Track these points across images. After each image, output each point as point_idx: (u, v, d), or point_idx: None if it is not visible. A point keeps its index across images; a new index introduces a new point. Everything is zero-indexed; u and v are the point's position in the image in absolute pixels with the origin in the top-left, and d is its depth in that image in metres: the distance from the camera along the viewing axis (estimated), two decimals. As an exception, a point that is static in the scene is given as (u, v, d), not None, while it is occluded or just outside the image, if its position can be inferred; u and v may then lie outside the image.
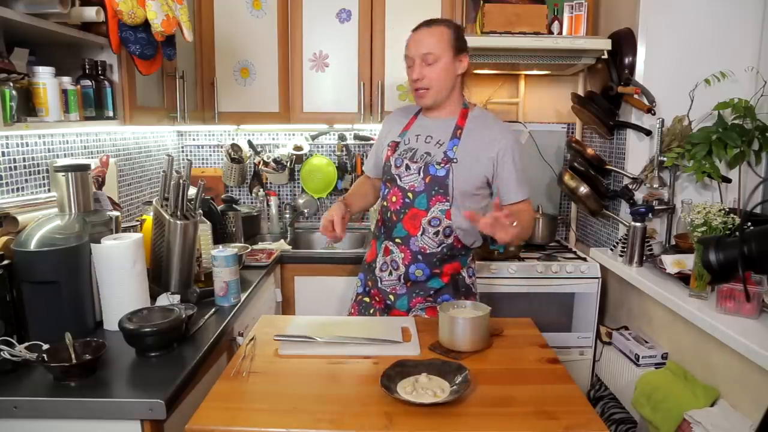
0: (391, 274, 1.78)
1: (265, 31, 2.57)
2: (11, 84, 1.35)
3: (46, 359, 1.23)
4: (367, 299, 1.87)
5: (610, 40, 2.33)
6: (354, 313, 1.88)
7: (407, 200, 1.70)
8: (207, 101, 2.55)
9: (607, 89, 2.40)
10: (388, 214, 1.76)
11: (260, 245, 2.52)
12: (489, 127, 1.73)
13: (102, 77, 1.70)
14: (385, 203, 1.78)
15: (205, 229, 2.00)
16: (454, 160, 1.67)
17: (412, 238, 1.72)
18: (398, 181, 1.72)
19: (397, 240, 1.74)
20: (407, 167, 1.70)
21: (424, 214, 1.69)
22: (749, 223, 1.70)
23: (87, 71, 1.66)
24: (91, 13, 1.52)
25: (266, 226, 2.90)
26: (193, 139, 3.00)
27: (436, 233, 1.70)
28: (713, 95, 2.16)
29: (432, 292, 1.77)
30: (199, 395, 1.24)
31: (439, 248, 1.72)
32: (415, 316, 1.76)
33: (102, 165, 2.00)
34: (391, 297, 1.79)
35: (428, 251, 1.72)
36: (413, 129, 1.78)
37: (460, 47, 1.68)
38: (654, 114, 2.24)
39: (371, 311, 1.84)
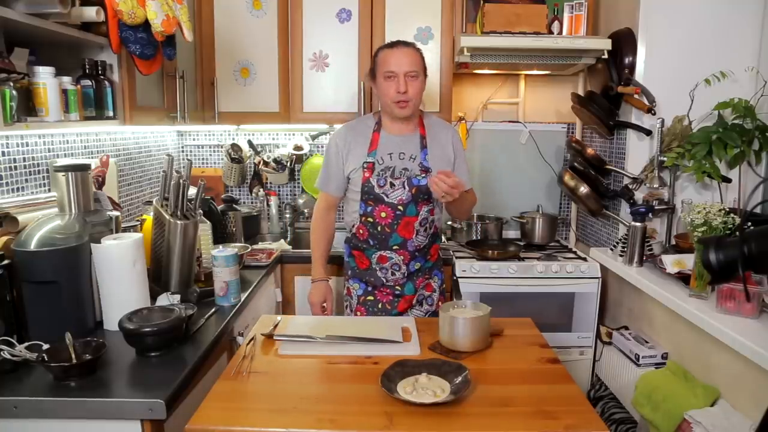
0: (393, 274, 1.96)
1: (265, 31, 2.57)
2: (11, 84, 1.35)
3: (46, 359, 1.23)
4: (371, 298, 2.00)
5: (610, 40, 2.33)
6: (363, 314, 1.99)
7: (398, 212, 1.90)
8: (207, 101, 2.55)
9: (607, 89, 2.40)
10: (379, 228, 1.92)
11: (260, 245, 2.52)
12: (441, 127, 2.02)
13: (102, 77, 1.70)
14: (371, 219, 1.93)
15: (205, 229, 2.00)
16: (431, 169, 1.90)
17: (408, 242, 1.93)
18: (385, 198, 1.89)
19: (395, 247, 1.93)
20: (392, 185, 1.88)
21: (415, 219, 1.91)
22: (749, 223, 1.70)
23: (87, 71, 1.66)
24: (91, 13, 1.52)
25: (266, 226, 2.90)
26: (193, 139, 3.00)
27: (425, 230, 1.95)
28: (713, 95, 2.16)
29: (427, 271, 2.04)
30: (199, 395, 1.24)
31: (427, 239, 1.98)
32: (416, 318, 1.83)
33: (102, 165, 2.00)
34: (398, 288, 1.98)
35: (422, 246, 1.96)
36: (382, 148, 1.92)
37: (425, 69, 1.91)
38: (654, 114, 2.23)
39: (380, 306, 1.98)
